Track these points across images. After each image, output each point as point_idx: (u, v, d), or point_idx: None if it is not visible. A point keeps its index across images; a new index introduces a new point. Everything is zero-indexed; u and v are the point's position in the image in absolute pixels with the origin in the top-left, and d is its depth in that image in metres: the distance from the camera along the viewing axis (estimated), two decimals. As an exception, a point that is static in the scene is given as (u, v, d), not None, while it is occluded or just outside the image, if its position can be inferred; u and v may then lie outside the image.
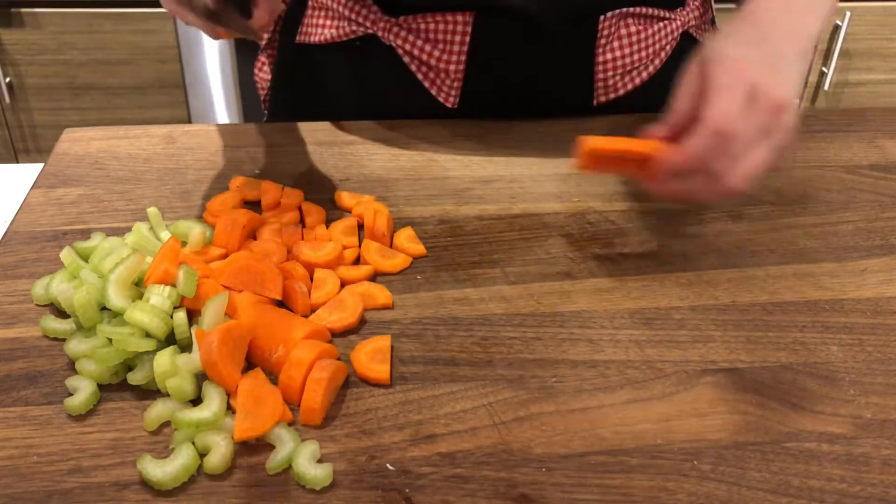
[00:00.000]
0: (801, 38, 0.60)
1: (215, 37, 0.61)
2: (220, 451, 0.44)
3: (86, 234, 0.62)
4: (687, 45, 0.81)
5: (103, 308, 0.52)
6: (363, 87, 0.80)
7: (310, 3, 0.82)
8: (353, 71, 0.81)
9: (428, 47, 0.75)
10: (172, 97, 1.83)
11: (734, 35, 0.60)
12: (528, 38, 0.76)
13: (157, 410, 0.46)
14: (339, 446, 0.46)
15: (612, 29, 0.77)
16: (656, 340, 0.53)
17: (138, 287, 0.53)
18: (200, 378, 0.48)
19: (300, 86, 0.87)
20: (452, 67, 0.75)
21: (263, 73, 0.95)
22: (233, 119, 1.86)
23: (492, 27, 0.75)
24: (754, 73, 0.54)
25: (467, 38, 0.75)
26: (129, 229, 0.62)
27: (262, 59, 0.95)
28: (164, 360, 0.47)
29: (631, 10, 0.76)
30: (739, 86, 0.53)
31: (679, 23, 0.81)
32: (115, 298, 0.50)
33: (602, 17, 0.75)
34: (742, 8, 0.62)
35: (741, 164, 0.54)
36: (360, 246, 0.61)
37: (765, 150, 0.54)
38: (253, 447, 0.46)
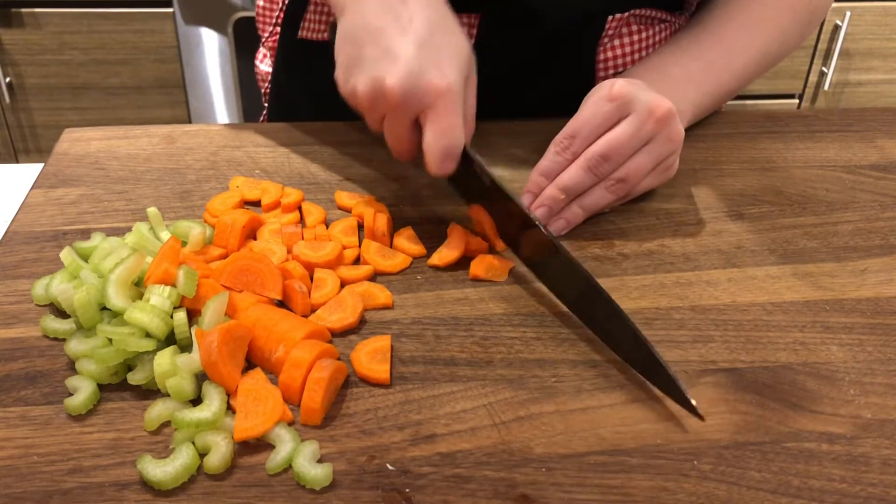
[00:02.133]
0: (688, 93, 0.70)
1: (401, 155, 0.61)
2: (220, 451, 0.44)
3: (86, 234, 0.62)
4: None
5: (103, 308, 0.52)
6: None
7: None
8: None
9: None
10: (172, 97, 1.83)
11: (646, 66, 0.70)
12: (532, 40, 0.76)
13: (157, 410, 0.46)
14: (339, 446, 0.46)
15: (617, 29, 0.77)
16: (656, 340, 0.53)
17: (138, 287, 0.53)
18: (200, 378, 0.48)
19: (301, 82, 0.87)
20: None
21: (264, 66, 0.95)
22: (233, 119, 1.86)
23: (497, 29, 0.75)
24: (632, 89, 0.61)
25: (472, 41, 0.75)
26: (129, 229, 0.62)
27: (264, 51, 0.95)
28: (164, 360, 0.47)
29: (638, 11, 0.76)
30: (608, 100, 0.60)
31: (677, 26, 0.81)
32: (115, 298, 0.50)
33: (610, 18, 0.75)
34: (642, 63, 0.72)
35: (622, 167, 0.61)
36: (360, 246, 0.61)
37: (647, 155, 0.61)
38: (253, 447, 0.46)
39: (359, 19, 0.57)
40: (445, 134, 0.55)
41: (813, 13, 0.76)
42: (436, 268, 0.60)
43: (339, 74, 0.58)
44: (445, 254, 0.59)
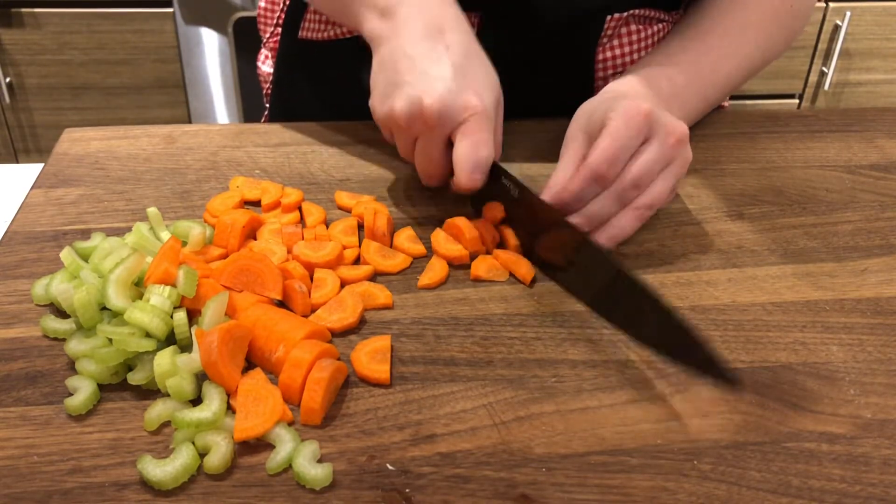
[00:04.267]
0: (690, 100, 0.70)
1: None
2: (220, 451, 0.44)
3: (86, 234, 0.62)
4: None
5: (103, 308, 0.52)
6: (365, 86, 0.80)
7: None
8: (355, 69, 0.81)
9: None
10: (172, 97, 1.83)
11: (635, 77, 0.69)
12: (532, 39, 0.76)
13: (157, 410, 0.46)
14: (339, 446, 0.46)
15: (616, 29, 0.77)
16: (656, 340, 0.53)
17: (138, 287, 0.53)
18: (200, 378, 0.48)
19: (301, 82, 0.88)
20: None
21: (266, 67, 0.95)
22: (233, 119, 1.86)
23: (497, 28, 0.75)
24: (656, 112, 0.60)
25: None
26: (129, 229, 0.62)
27: (265, 52, 0.96)
28: (164, 360, 0.47)
29: (637, 11, 0.76)
30: (643, 121, 0.59)
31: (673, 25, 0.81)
32: (115, 298, 0.50)
33: (609, 18, 0.75)
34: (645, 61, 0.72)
35: (647, 193, 0.59)
36: (360, 246, 0.61)
37: (668, 179, 0.60)
38: (253, 447, 0.46)
39: (397, 47, 0.60)
40: (477, 146, 0.58)
41: (795, 17, 0.76)
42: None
43: (375, 100, 0.61)
44: (432, 275, 0.58)
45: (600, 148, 0.59)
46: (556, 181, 0.61)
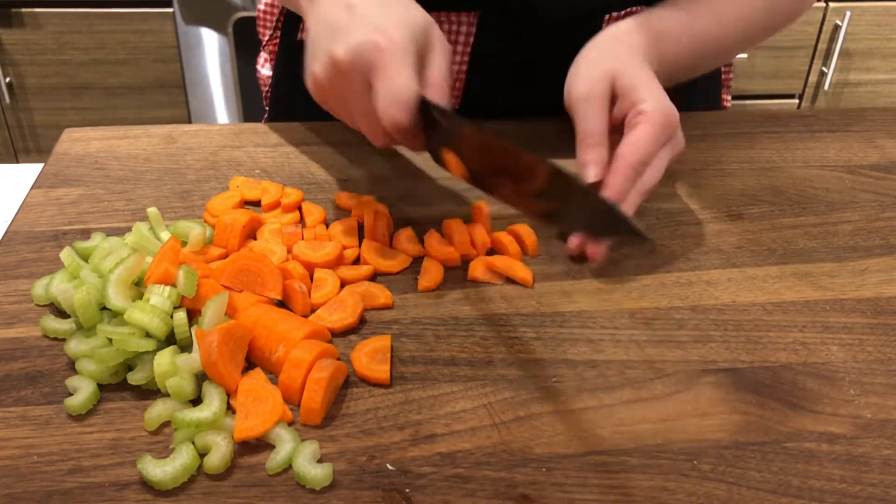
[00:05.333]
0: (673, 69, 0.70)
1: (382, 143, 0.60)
2: (220, 451, 0.44)
3: (86, 234, 0.62)
4: None
5: (103, 308, 0.52)
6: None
7: None
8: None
9: None
10: (172, 97, 1.83)
11: (637, 49, 0.68)
12: (531, 38, 0.76)
13: (157, 410, 0.46)
14: (339, 446, 0.46)
15: None
16: (656, 340, 0.53)
17: (138, 287, 0.53)
18: (200, 378, 0.48)
19: (301, 83, 0.87)
20: (455, 67, 0.75)
21: (265, 70, 0.95)
22: (233, 119, 1.86)
23: (496, 27, 0.75)
24: (667, 99, 0.61)
25: (471, 39, 0.75)
26: (129, 229, 0.62)
27: (265, 55, 0.96)
28: (164, 360, 0.47)
29: (634, 9, 0.76)
30: (661, 120, 0.60)
31: None
32: (115, 298, 0.50)
33: (607, 17, 0.75)
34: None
35: (646, 178, 0.60)
36: (360, 246, 0.61)
37: (664, 162, 0.62)
38: (253, 447, 0.46)
39: (317, 20, 0.59)
40: (391, 79, 0.54)
41: None
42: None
43: (307, 78, 0.59)
44: (429, 277, 0.58)
45: (638, 150, 0.60)
46: (588, 133, 0.62)
